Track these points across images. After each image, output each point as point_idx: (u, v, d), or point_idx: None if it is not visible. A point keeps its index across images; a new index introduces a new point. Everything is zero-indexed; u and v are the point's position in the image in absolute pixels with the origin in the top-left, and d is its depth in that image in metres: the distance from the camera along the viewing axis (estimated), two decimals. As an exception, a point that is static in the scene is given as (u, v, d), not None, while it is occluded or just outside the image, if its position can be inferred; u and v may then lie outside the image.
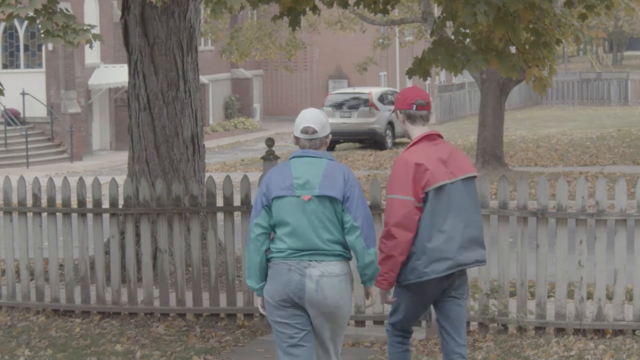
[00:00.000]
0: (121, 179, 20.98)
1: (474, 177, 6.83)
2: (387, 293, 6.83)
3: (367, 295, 6.63)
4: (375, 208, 9.79)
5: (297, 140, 6.56)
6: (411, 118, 6.87)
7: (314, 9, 12.72)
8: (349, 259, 6.43)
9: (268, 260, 6.42)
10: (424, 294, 6.78)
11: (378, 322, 10.01)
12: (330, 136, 6.61)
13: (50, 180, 11.25)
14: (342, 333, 6.55)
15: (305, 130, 6.48)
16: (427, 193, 6.61)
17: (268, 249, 6.41)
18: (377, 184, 9.92)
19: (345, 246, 6.40)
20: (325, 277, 6.30)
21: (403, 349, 7.01)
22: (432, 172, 6.61)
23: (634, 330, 9.33)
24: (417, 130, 6.86)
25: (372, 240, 6.37)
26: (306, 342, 6.41)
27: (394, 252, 6.57)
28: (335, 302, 6.33)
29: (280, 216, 6.36)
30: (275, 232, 6.41)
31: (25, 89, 35.65)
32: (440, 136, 6.88)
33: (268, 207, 6.40)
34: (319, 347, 6.53)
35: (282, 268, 6.33)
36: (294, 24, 12.47)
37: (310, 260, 6.31)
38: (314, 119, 6.51)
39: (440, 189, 6.62)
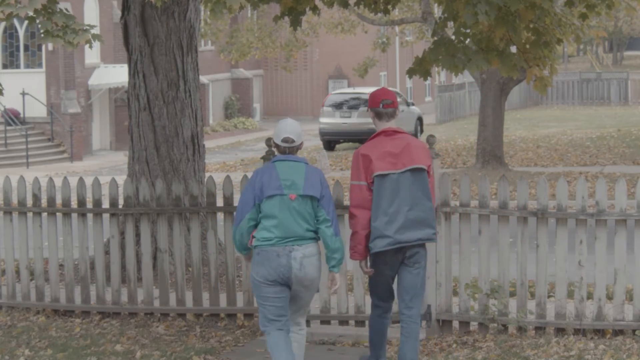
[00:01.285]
0: (121, 179, 20.99)
1: (424, 168, 7.97)
2: (363, 264, 8.09)
3: (333, 280, 7.92)
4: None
5: (277, 146, 7.94)
6: (378, 115, 8.13)
7: (314, 9, 12.71)
8: (317, 241, 7.85)
9: (254, 246, 7.77)
10: (381, 263, 7.98)
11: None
12: (303, 143, 7.97)
13: (50, 180, 11.25)
14: (309, 302, 8.05)
15: (285, 140, 7.87)
16: (373, 179, 7.88)
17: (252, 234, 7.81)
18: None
19: (316, 232, 7.83)
20: (306, 258, 7.75)
21: (381, 319, 8.23)
22: (375, 163, 7.88)
23: (634, 330, 9.33)
24: (381, 126, 8.10)
25: (337, 230, 7.83)
26: (286, 311, 7.86)
27: (357, 228, 7.96)
28: (312, 276, 7.81)
29: (269, 211, 7.73)
30: (261, 222, 7.76)
31: (25, 89, 35.65)
32: (398, 132, 8.01)
33: (259, 205, 7.76)
34: (293, 310, 7.98)
35: (272, 254, 7.70)
36: (295, 23, 12.47)
37: (293, 245, 7.72)
38: (292, 130, 7.92)
39: (384, 176, 7.89)
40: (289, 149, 7.90)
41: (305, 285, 7.79)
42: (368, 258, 8.07)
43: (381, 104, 8.06)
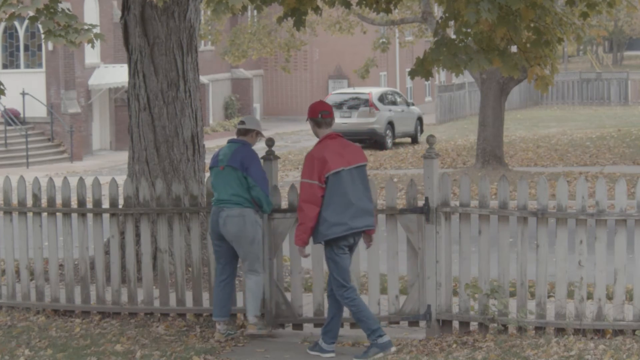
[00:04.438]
0: (121, 179, 20.97)
1: (365, 165, 9.36)
2: (302, 250, 9.44)
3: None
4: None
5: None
6: (318, 124, 9.45)
7: (317, 9, 12.70)
8: (247, 207, 9.92)
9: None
10: (342, 247, 9.24)
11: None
12: (255, 131, 10.16)
13: (50, 180, 11.26)
14: (251, 255, 9.97)
15: (240, 123, 10.27)
16: (327, 177, 9.14)
17: None
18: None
19: (244, 198, 9.94)
20: (229, 217, 9.93)
21: (358, 296, 9.34)
22: (330, 162, 9.14)
23: (634, 330, 9.33)
24: (322, 132, 9.42)
25: (267, 190, 9.99)
26: (225, 259, 10.12)
27: (305, 220, 9.21)
28: (233, 232, 9.94)
29: (211, 179, 10.21)
30: None
31: (25, 89, 35.63)
32: (340, 135, 9.45)
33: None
34: (241, 261, 10.16)
35: (211, 212, 10.14)
36: (299, 24, 12.47)
37: (222, 207, 9.99)
38: (247, 118, 10.37)
39: (337, 174, 9.16)
40: (240, 131, 10.21)
41: (230, 239, 9.95)
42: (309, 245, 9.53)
43: (320, 115, 9.41)
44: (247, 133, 10.18)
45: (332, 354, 9.36)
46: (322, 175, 9.13)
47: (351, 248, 9.39)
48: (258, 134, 10.25)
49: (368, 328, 9.27)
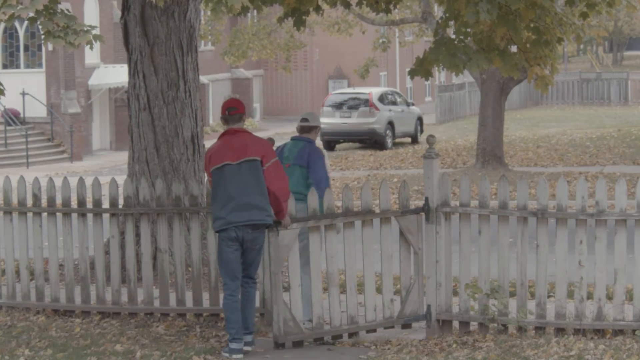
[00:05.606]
0: (121, 179, 20.97)
1: (256, 159, 9.32)
2: None
3: None
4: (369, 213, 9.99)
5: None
6: (225, 120, 9.63)
7: (317, 9, 12.71)
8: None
9: None
10: (225, 240, 9.34)
11: (371, 330, 10.00)
12: (317, 127, 10.32)
13: (50, 180, 11.26)
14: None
15: (302, 119, 10.23)
16: (212, 171, 9.44)
17: None
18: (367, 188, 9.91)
19: (306, 195, 9.92)
20: None
21: (232, 297, 9.34)
22: (214, 157, 9.44)
23: (634, 330, 9.33)
24: (227, 127, 9.61)
25: (321, 192, 9.87)
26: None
27: None
28: None
29: None
30: None
31: (25, 89, 35.62)
32: (239, 131, 9.49)
33: None
34: None
35: None
36: (299, 24, 12.47)
37: None
38: (309, 114, 10.32)
39: (221, 168, 9.39)
40: (304, 128, 10.25)
41: None
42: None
43: (227, 112, 9.57)
44: (310, 130, 10.27)
45: (249, 347, 9.47)
46: (208, 169, 9.50)
47: (247, 246, 9.36)
48: (319, 129, 10.41)
49: (228, 330, 9.38)
